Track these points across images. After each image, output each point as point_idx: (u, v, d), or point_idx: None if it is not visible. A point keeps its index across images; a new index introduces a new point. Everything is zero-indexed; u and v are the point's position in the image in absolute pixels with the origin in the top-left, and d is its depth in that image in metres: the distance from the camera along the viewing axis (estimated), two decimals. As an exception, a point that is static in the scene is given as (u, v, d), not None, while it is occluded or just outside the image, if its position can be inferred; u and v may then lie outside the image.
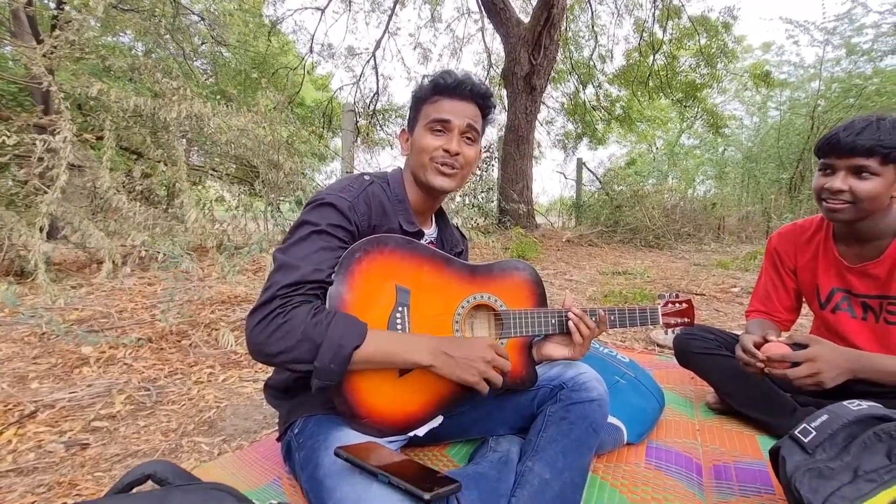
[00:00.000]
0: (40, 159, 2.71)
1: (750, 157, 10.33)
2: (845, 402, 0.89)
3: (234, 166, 4.66)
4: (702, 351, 1.36)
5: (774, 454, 0.90)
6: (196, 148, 4.75)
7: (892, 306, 1.15)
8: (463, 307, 1.00)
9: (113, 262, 2.78)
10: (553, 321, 1.06)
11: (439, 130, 0.99)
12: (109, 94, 3.15)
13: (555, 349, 1.07)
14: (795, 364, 1.01)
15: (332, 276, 0.85)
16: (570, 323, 1.04)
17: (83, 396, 1.39)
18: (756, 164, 9.97)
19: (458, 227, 1.26)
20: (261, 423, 1.34)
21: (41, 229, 2.52)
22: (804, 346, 1.02)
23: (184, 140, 4.12)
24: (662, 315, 1.20)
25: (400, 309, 0.92)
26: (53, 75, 3.66)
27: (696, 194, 9.72)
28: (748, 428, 1.32)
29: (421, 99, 1.03)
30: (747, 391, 1.29)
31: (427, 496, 0.62)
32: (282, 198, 4.36)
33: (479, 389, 0.87)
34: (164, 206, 4.15)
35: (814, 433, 0.86)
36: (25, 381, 1.56)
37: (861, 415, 0.86)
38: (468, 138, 1.01)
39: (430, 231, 1.12)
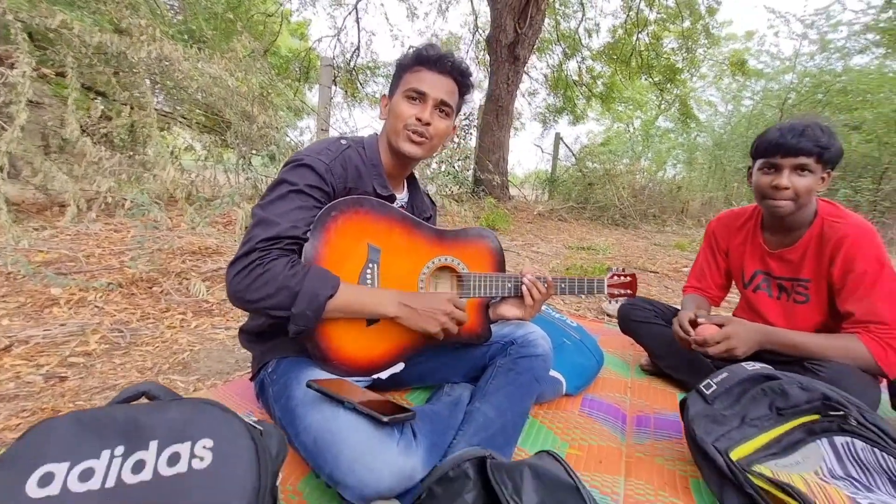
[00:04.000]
0: (-5, 93, 2.58)
1: (719, 144, 10.64)
2: (743, 363, 1.06)
3: (205, 115, 4.50)
4: (641, 319, 1.53)
5: (683, 404, 1.06)
6: (164, 94, 4.54)
7: (800, 287, 1.32)
8: (428, 267, 1.10)
9: (77, 206, 2.72)
10: (509, 285, 1.18)
11: (415, 99, 1.05)
12: (72, 27, 2.98)
13: (509, 310, 1.20)
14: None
15: (308, 233, 0.93)
16: (524, 287, 1.16)
17: (56, 334, 1.44)
18: (724, 151, 10.29)
19: (427, 194, 1.34)
20: (233, 366, 1.43)
21: (1, 168, 2.44)
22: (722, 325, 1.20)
23: (147, 82, 3.94)
24: (608, 286, 1.35)
25: (370, 266, 1.02)
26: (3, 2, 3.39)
27: (666, 177, 10.00)
28: (672, 387, 1.52)
29: (404, 66, 1.09)
30: (676, 356, 1.47)
31: (385, 419, 0.74)
32: (254, 151, 4.27)
33: (437, 337, 0.99)
34: (130, 153, 4.00)
35: (715, 387, 1.03)
36: (-6, 318, 1.58)
37: (754, 374, 1.03)
38: (442, 111, 1.08)
39: (402, 195, 1.21)
